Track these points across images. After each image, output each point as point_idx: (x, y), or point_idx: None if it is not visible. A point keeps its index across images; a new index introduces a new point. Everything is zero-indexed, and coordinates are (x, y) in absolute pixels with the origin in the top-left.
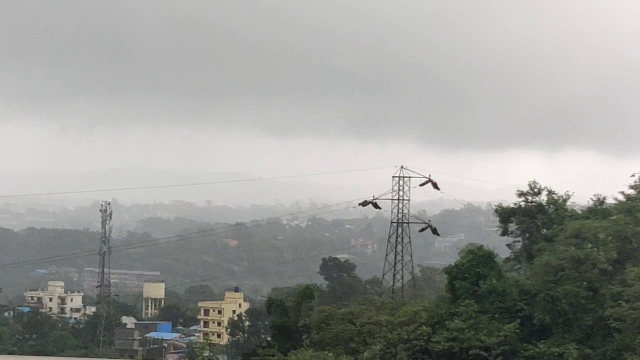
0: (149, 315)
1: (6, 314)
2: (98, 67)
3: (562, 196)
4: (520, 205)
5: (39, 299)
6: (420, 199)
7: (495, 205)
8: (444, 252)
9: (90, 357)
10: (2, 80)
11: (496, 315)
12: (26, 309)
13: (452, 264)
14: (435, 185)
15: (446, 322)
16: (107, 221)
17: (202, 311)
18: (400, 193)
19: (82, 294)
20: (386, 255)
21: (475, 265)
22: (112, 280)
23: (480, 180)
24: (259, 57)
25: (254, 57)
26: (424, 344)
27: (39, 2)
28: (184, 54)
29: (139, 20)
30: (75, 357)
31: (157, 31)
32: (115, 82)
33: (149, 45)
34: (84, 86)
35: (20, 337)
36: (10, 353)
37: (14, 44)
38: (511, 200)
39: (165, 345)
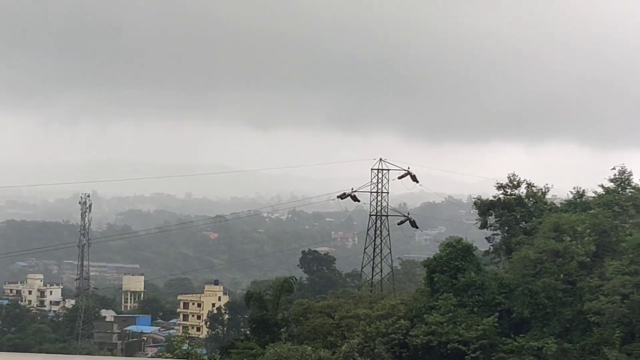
0: (129, 309)
1: None
2: (83, 59)
3: (542, 189)
4: (499, 198)
5: (18, 291)
6: (400, 191)
7: (475, 198)
8: (424, 245)
9: (69, 350)
10: None
11: (475, 309)
12: (5, 302)
13: (431, 257)
14: (414, 178)
15: (424, 315)
16: (87, 213)
17: (181, 304)
18: (379, 186)
19: (62, 286)
20: (365, 248)
21: (453, 258)
22: (91, 273)
23: (461, 172)
24: (243, 49)
25: (237, 50)
26: (402, 337)
27: None
28: (168, 47)
29: (124, 13)
30: (54, 351)
31: (141, 24)
32: (99, 74)
33: (134, 38)
34: (69, 78)
35: None
36: None
37: (1, 37)
38: (491, 193)
39: (145, 338)
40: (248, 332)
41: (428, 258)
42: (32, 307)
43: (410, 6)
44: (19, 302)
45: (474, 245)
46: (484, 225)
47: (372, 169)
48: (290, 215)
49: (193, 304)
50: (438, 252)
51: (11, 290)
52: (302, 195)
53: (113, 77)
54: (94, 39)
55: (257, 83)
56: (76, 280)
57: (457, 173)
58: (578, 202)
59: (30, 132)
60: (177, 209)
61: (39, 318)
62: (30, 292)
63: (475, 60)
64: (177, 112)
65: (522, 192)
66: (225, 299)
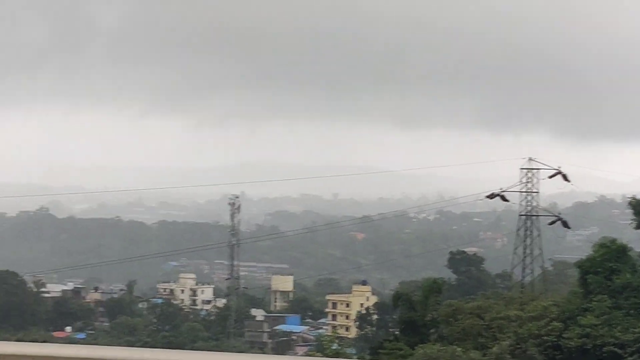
0: (278, 308)
1: (140, 305)
2: (233, 63)
3: None
4: None
5: (171, 290)
6: (551, 191)
7: (629, 198)
8: (576, 246)
9: (222, 348)
10: (146, 77)
11: (631, 312)
12: (159, 301)
13: (584, 257)
14: (565, 177)
15: (578, 317)
16: (236, 214)
17: (330, 304)
18: (529, 185)
19: (213, 286)
20: (515, 249)
21: (608, 259)
22: (241, 273)
23: (614, 171)
24: (390, 49)
25: (384, 49)
26: (555, 339)
27: (177, 1)
28: (317, 49)
29: (272, 16)
30: (207, 349)
31: (289, 26)
32: (249, 77)
33: (282, 40)
34: (220, 81)
35: (154, 329)
36: (144, 344)
37: (156, 42)
38: None
39: (294, 338)
40: (397, 332)
41: (581, 259)
42: (185, 305)
43: None
44: (172, 301)
45: (629, 245)
46: (639, 226)
47: (521, 169)
48: (437, 216)
49: (341, 303)
50: (591, 252)
51: (164, 289)
52: (450, 196)
53: (263, 79)
54: (245, 43)
55: (404, 83)
56: (227, 279)
57: (610, 172)
58: None
59: (182, 135)
60: (324, 210)
61: (191, 316)
62: (182, 291)
63: (629, 53)
64: (325, 113)
65: None
66: (373, 299)
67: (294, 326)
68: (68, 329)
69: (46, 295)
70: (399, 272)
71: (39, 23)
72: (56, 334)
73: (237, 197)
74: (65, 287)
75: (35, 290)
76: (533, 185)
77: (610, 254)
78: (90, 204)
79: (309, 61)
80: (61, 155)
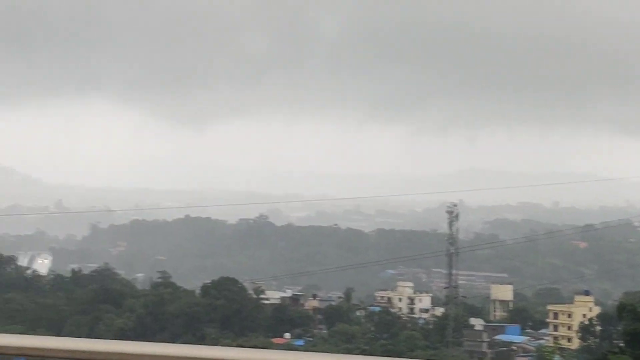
0: (497, 318)
1: (358, 313)
2: (453, 70)
3: None
4: None
5: (389, 299)
6: None
7: None
8: None
9: (440, 358)
10: (365, 86)
11: None
12: (377, 309)
13: None
14: None
15: None
16: (454, 222)
17: (551, 314)
18: None
19: (431, 294)
20: None
21: None
22: (459, 282)
23: None
24: (613, 52)
25: (607, 52)
26: None
27: (395, 9)
28: (534, 52)
29: (489, 23)
30: (424, 357)
31: (508, 31)
32: (469, 84)
33: (500, 46)
34: (440, 89)
35: (372, 337)
36: (362, 352)
37: (375, 51)
38: None
39: (514, 348)
40: (621, 344)
41: None
42: (403, 314)
43: None
44: (390, 309)
45: None
46: None
47: None
48: None
49: (563, 314)
50: None
51: (382, 297)
52: None
53: (483, 86)
54: (464, 50)
55: (630, 87)
56: (445, 288)
57: None
58: None
59: (400, 144)
60: (544, 218)
61: (409, 325)
62: (400, 300)
63: None
64: (545, 119)
65: None
66: (596, 310)
67: (513, 336)
68: (287, 335)
69: (265, 302)
70: (623, 282)
71: (262, 34)
72: (275, 340)
73: (455, 205)
74: (284, 294)
75: (255, 297)
76: None
77: None
78: (308, 212)
79: (528, 66)
80: (281, 163)
